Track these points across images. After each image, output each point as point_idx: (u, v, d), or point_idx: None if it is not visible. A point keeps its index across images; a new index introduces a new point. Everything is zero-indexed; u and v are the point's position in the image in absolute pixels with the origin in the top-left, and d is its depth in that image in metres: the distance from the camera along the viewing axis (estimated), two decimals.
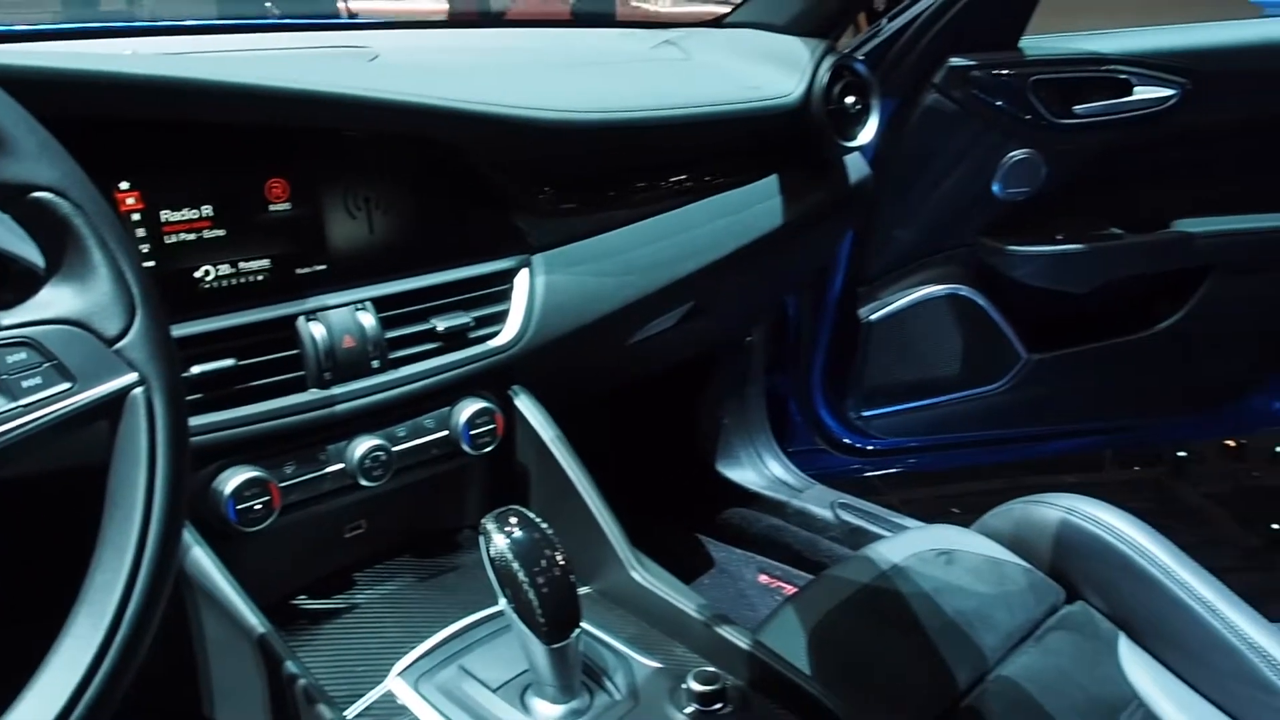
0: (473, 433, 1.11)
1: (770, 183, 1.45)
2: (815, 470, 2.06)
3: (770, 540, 1.95)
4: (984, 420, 2.08)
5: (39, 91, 0.81)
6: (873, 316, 1.92)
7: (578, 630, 0.91)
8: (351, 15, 2.13)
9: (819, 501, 1.93)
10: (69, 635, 0.60)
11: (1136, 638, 1.20)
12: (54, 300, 0.64)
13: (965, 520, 1.42)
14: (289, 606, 1.10)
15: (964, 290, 1.92)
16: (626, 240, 1.28)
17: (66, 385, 0.62)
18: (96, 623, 0.60)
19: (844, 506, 1.91)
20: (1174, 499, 2.49)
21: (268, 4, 2.25)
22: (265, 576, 1.03)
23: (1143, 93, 1.79)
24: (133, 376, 0.64)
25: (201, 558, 0.93)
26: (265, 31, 1.30)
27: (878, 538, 1.79)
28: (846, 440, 2.09)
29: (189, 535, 0.93)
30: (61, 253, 0.64)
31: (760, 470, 2.03)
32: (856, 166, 1.58)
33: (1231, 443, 2.62)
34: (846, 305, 1.93)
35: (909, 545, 1.36)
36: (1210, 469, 2.57)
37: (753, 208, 1.43)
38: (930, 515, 1.69)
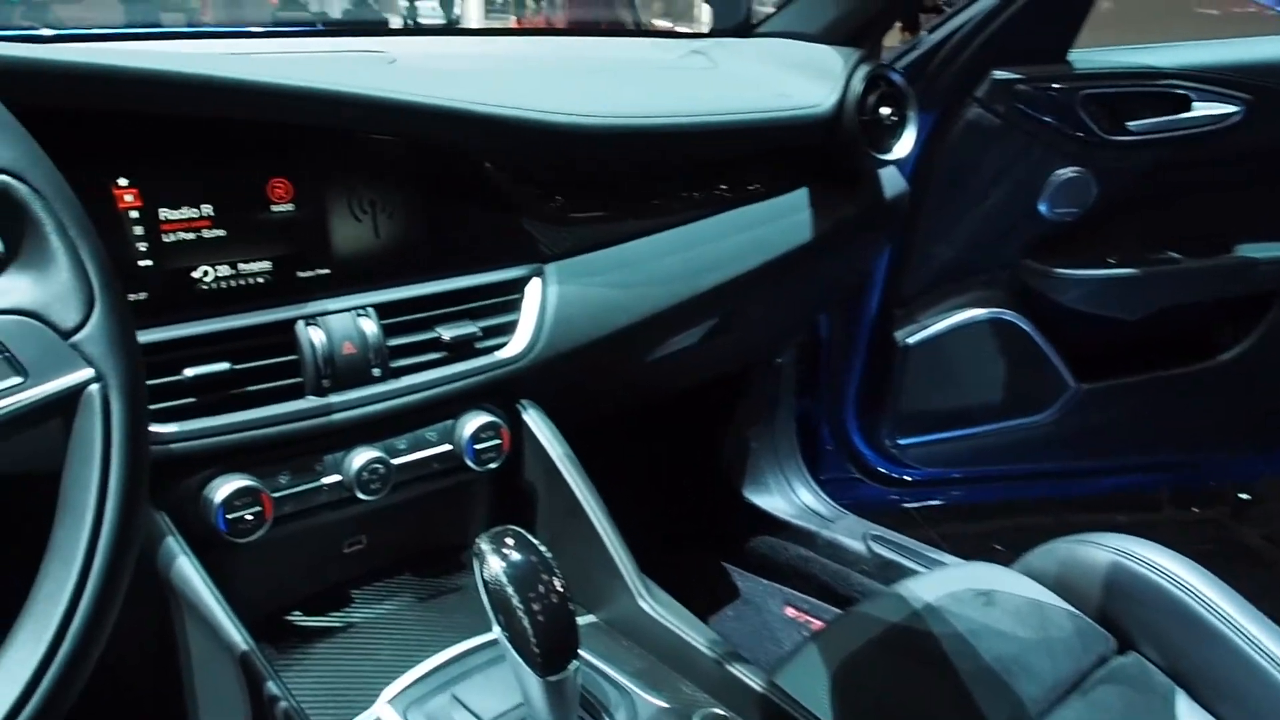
0: (477, 447, 1.06)
1: (799, 196, 1.40)
2: (847, 500, 1.98)
3: (798, 571, 1.88)
4: (1028, 452, 1.99)
5: (25, 80, 0.78)
6: (910, 339, 1.85)
7: (576, 663, 0.85)
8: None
9: (851, 533, 1.86)
10: (8, 650, 0.56)
11: (1196, 694, 1.11)
12: (9, 289, 0.59)
13: (1006, 559, 1.34)
14: (282, 622, 1.05)
15: (1007, 314, 1.85)
16: (646, 251, 1.22)
17: (17, 380, 0.57)
18: (38, 638, 0.56)
19: (877, 539, 1.83)
20: (1235, 542, 2.36)
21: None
22: (257, 590, 0.99)
23: (1202, 109, 1.71)
24: (89, 372, 0.59)
25: (186, 568, 0.88)
26: (279, 37, 1.26)
27: (912, 573, 1.72)
28: (881, 469, 2.01)
29: (174, 544, 0.89)
30: (19, 239, 0.60)
31: (789, 498, 1.96)
32: (891, 181, 1.52)
33: None
34: (882, 327, 1.87)
35: (945, 583, 1.29)
36: (1275, 510, 2.44)
37: (780, 221, 1.37)
38: (968, 552, 1.61)
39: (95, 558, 0.58)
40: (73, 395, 0.59)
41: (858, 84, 1.35)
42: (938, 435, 1.96)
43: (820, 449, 2.02)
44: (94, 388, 0.59)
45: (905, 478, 2.01)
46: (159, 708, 0.97)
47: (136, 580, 0.89)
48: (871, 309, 1.87)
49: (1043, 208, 1.75)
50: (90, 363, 0.60)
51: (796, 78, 1.40)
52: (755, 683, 0.93)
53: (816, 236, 1.39)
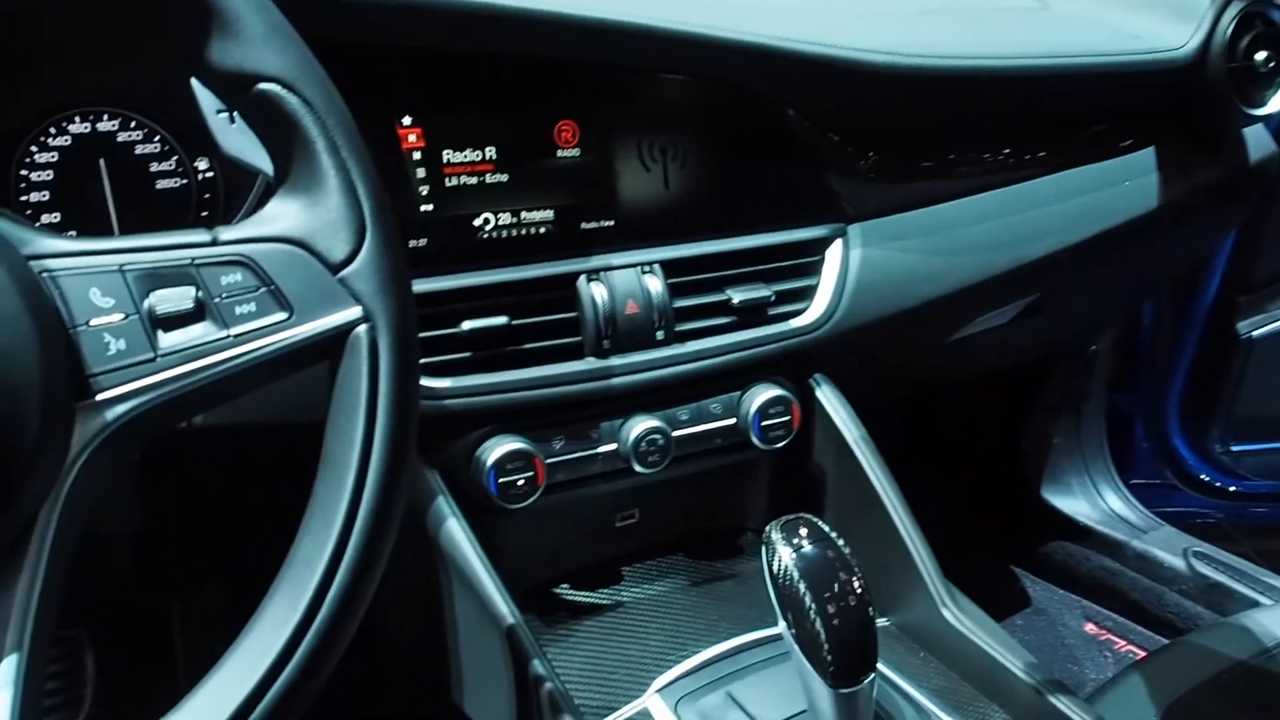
0: (764, 423, 0.97)
1: (1145, 157, 1.22)
2: (1160, 509, 1.75)
3: (1101, 585, 1.67)
4: None
5: (308, 7, 0.75)
6: (1256, 332, 1.61)
7: (872, 675, 0.74)
8: None
9: (1168, 546, 1.63)
10: (263, 614, 0.51)
11: None
12: (277, 215, 0.55)
13: None
14: (549, 595, 1.01)
15: None
16: (961, 214, 1.09)
17: (283, 316, 0.53)
18: (294, 603, 0.51)
19: (1201, 556, 1.59)
20: None
21: None
22: (525, 560, 0.95)
23: None
24: (356, 311, 0.54)
25: (456, 531, 0.85)
26: None
27: (1244, 599, 1.49)
28: (1204, 477, 1.76)
29: (445, 505, 0.86)
30: (289, 158, 0.55)
31: (1094, 502, 1.75)
32: (1260, 142, 1.30)
33: None
34: (1221, 316, 1.63)
35: None
36: None
37: (1121, 185, 1.20)
38: None
39: (357, 519, 0.53)
40: (339, 336, 0.54)
41: (1228, 23, 1.15)
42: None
43: (1133, 450, 1.80)
44: (361, 329, 0.54)
45: (1232, 489, 1.76)
46: (423, 672, 0.95)
47: (407, 540, 0.87)
48: (1209, 294, 1.63)
49: None
50: (359, 300, 0.54)
51: (1146, 17, 1.21)
52: (1075, 714, 0.79)
53: (1164, 205, 1.21)
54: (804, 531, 0.76)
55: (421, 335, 0.84)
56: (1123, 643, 1.60)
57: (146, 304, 0.50)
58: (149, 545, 0.85)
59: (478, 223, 0.89)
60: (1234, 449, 1.71)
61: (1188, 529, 1.70)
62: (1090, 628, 1.65)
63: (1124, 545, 1.66)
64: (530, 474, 0.88)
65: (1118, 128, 1.20)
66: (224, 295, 0.52)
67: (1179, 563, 1.60)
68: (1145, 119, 1.21)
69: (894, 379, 1.32)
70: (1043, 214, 1.14)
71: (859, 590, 0.74)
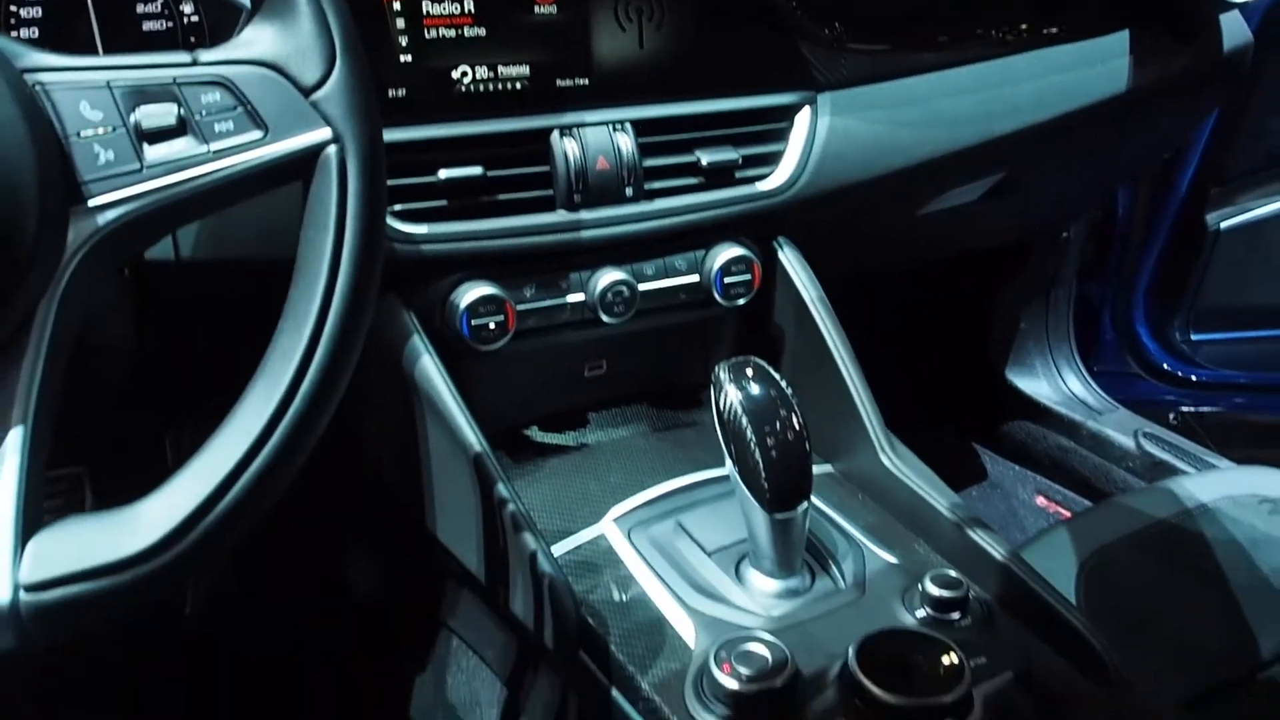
0: (726, 280, 1.02)
1: (1118, 40, 1.23)
2: (1120, 396, 1.81)
3: (1055, 461, 1.75)
4: None
5: None
6: (1224, 224, 1.65)
7: (805, 504, 0.81)
8: None
9: (1120, 427, 1.70)
10: (243, 403, 0.57)
11: None
12: (253, 40, 0.59)
13: None
14: (518, 436, 1.07)
15: None
16: (931, 88, 1.12)
17: (258, 134, 0.57)
18: (270, 394, 0.57)
19: (1150, 437, 1.67)
20: None
21: None
22: (497, 402, 1.00)
23: None
24: (327, 133, 0.58)
25: (429, 367, 0.90)
26: None
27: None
28: (1165, 366, 1.82)
29: (420, 344, 0.91)
30: None
31: (1056, 384, 1.82)
32: (1234, 30, 1.31)
33: None
34: (1193, 206, 1.67)
35: (1222, 485, 1.16)
36: None
37: (1092, 68, 1.21)
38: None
39: (328, 320, 0.58)
40: (310, 156, 0.59)
41: None
42: (1239, 334, 1.76)
43: (1098, 338, 1.85)
44: (331, 149, 0.59)
45: (1192, 378, 1.82)
46: (400, 490, 1.02)
47: (385, 376, 0.92)
48: (1182, 185, 1.67)
49: None
50: (329, 123, 0.59)
51: None
52: (996, 552, 0.86)
53: (1134, 89, 1.23)
54: (750, 372, 0.81)
55: (400, 182, 0.89)
56: (1069, 514, 1.69)
57: (133, 118, 0.55)
58: (144, 363, 0.91)
59: (456, 75, 0.92)
60: (1193, 338, 1.76)
61: (1143, 414, 1.77)
62: (1041, 500, 1.73)
63: (1080, 425, 1.74)
64: (501, 318, 0.93)
65: (1093, 9, 1.22)
66: (204, 113, 0.56)
67: (1129, 442, 1.68)
68: (1121, 2, 1.23)
69: (864, 252, 1.36)
70: (1012, 92, 1.16)
71: (797, 427, 0.80)
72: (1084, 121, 1.22)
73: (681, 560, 0.89)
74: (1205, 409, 1.82)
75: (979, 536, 0.88)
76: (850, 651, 0.74)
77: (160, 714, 1.35)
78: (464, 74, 0.92)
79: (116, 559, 0.51)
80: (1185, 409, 1.87)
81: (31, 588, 0.50)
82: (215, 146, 0.56)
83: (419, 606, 1.26)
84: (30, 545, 0.51)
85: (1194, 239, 1.68)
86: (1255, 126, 1.58)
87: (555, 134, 0.94)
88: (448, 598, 1.20)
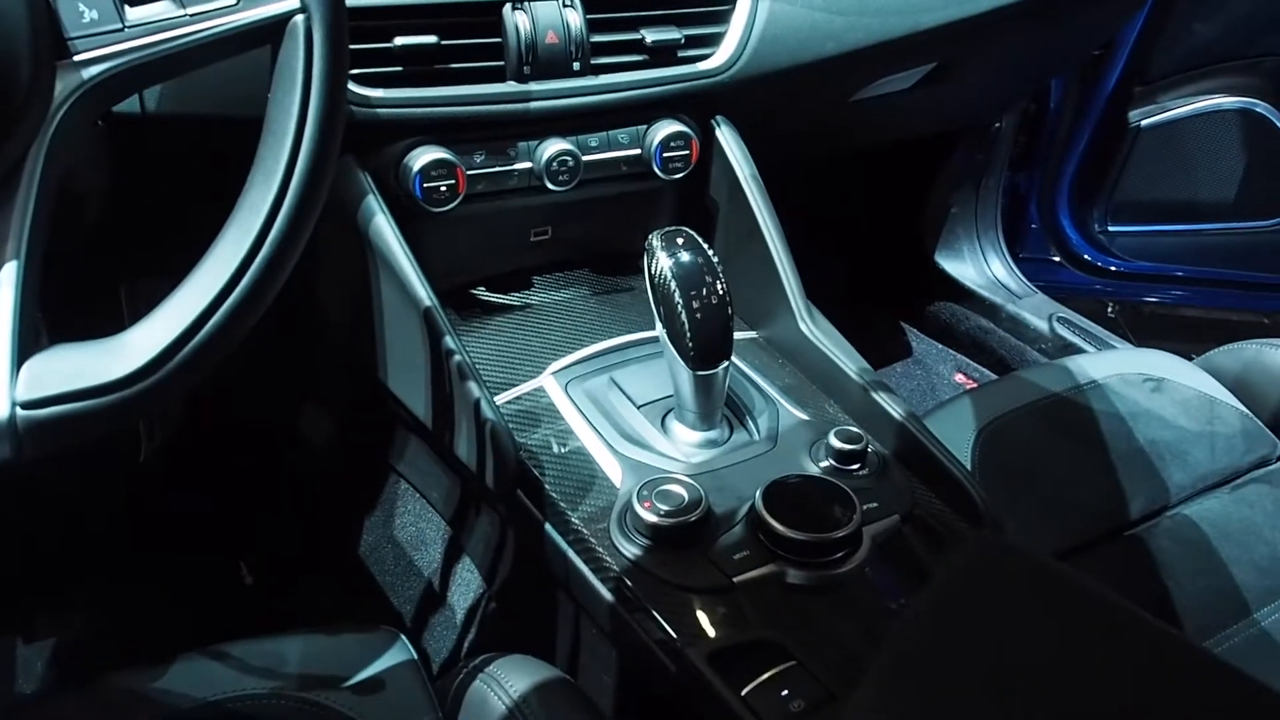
0: (665, 154, 1.08)
1: None
2: (1041, 282, 1.91)
3: (975, 341, 1.86)
4: (1252, 260, 1.84)
5: None
6: (1145, 121, 1.72)
7: (726, 363, 0.90)
8: None
9: (1037, 311, 1.81)
10: (216, 247, 0.63)
11: None
12: None
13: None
14: (467, 295, 1.13)
15: (1261, 107, 1.67)
16: None
17: (231, 1, 0.62)
18: (242, 237, 0.63)
19: (1063, 321, 1.77)
20: None
21: None
22: (448, 261, 1.06)
23: None
24: (294, 3, 0.63)
25: (383, 225, 0.96)
26: None
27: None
28: (1085, 256, 1.92)
29: (374, 202, 0.96)
30: None
31: (980, 268, 1.91)
32: None
33: None
34: (1117, 104, 1.73)
35: (1115, 364, 1.26)
36: None
37: None
38: None
39: (294, 175, 0.63)
40: (279, 24, 0.64)
41: None
42: (1154, 227, 1.84)
43: (1024, 226, 1.94)
44: (299, 19, 0.64)
45: (1110, 268, 1.91)
46: (353, 342, 1.08)
47: (339, 233, 0.98)
48: (1109, 84, 1.73)
49: None
50: None
51: None
52: (896, 412, 0.96)
53: None
54: (680, 241, 0.89)
55: (357, 47, 0.93)
56: None
57: None
58: (110, 214, 0.95)
59: None
60: (1112, 229, 1.85)
61: (1062, 300, 1.87)
62: (959, 377, 1.85)
63: (1000, 308, 1.84)
64: (452, 182, 0.98)
65: None
66: None
67: (1043, 326, 1.78)
68: None
69: (802, 137, 1.42)
70: None
71: (721, 292, 0.88)
72: (1012, 16, 1.26)
73: (613, 411, 0.97)
74: (1119, 297, 1.94)
75: (883, 399, 0.97)
76: (757, 493, 0.84)
77: (113, 554, 1.42)
78: None
79: (105, 381, 0.58)
80: (1101, 295, 1.99)
81: (28, 405, 0.56)
82: (192, 10, 0.61)
83: (367, 452, 1.34)
84: (25, 367, 0.57)
85: (1117, 135, 1.75)
86: (1178, 30, 1.64)
87: (507, 7, 0.98)
88: (395, 444, 1.28)
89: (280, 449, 1.48)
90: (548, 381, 1.00)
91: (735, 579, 0.80)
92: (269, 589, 1.42)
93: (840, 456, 0.91)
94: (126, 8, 0.60)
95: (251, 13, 0.62)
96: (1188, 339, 1.97)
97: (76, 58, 0.59)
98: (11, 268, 0.58)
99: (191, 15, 0.61)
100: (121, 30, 0.60)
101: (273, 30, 0.63)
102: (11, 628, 1.33)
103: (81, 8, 0.59)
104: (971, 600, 0.58)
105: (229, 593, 1.43)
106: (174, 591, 1.40)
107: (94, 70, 0.59)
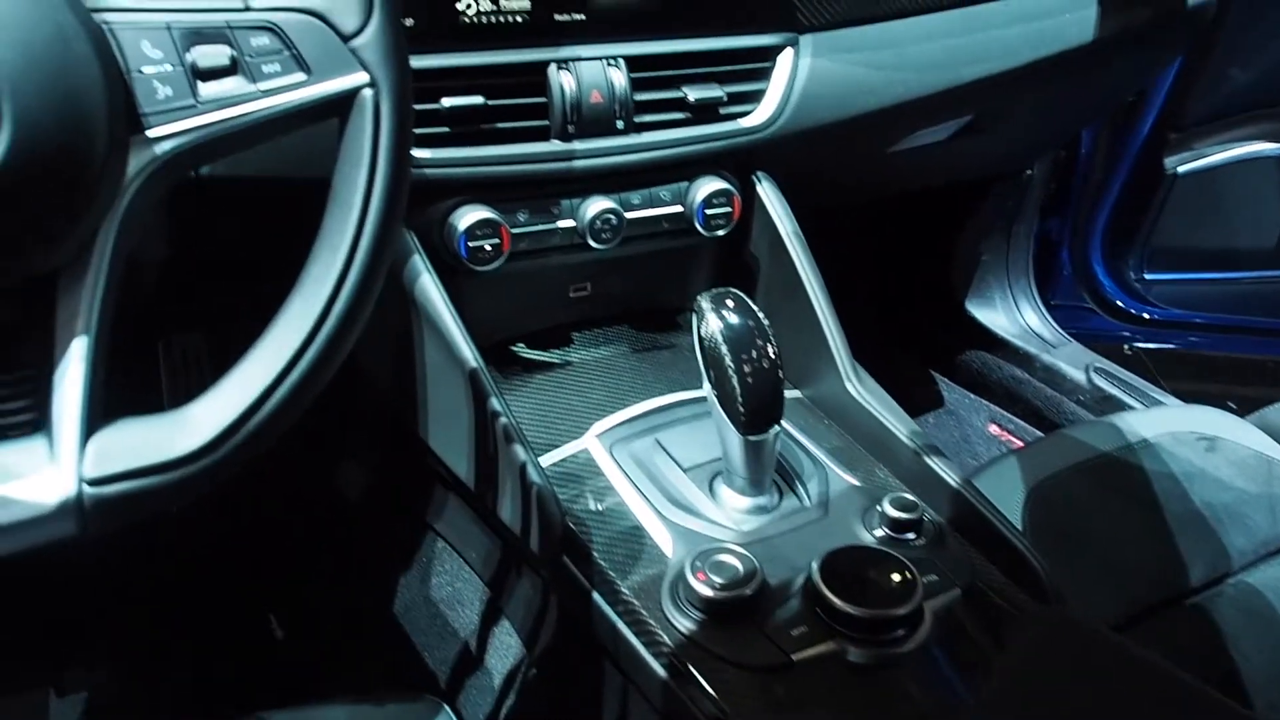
0: (708, 212, 1.07)
1: None
2: (1075, 330, 1.90)
3: (1009, 391, 1.84)
4: None
5: None
6: (1181, 168, 1.71)
7: (777, 428, 0.88)
8: None
9: (1073, 361, 1.79)
10: (281, 318, 0.62)
11: None
12: None
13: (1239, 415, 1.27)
14: (508, 352, 1.12)
15: None
16: (906, 33, 1.16)
17: (302, 76, 0.62)
18: (307, 311, 0.62)
19: (1100, 371, 1.75)
20: None
21: None
22: (488, 318, 1.05)
23: None
24: (364, 77, 0.63)
25: (428, 284, 0.95)
26: None
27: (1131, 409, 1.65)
28: (1119, 303, 1.90)
29: (420, 262, 0.95)
30: None
31: (1013, 317, 1.89)
32: None
33: None
34: (1152, 150, 1.72)
35: (1166, 422, 1.24)
36: None
37: (1058, 17, 1.25)
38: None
39: (360, 244, 0.63)
40: (348, 98, 0.63)
41: None
42: (1191, 275, 1.83)
43: (1056, 273, 1.92)
44: (367, 92, 0.63)
45: (1144, 315, 1.90)
46: (393, 398, 1.07)
47: (386, 292, 0.97)
48: (1143, 130, 1.72)
49: None
50: (366, 68, 0.63)
51: None
52: (950, 478, 0.94)
53: (1098, 39, 1.27)
54: (730, 303, 0.87)
55: None
56: (1020, 443, 1.78)
57: (189, 58, 0.59)
58: (169, 271, 0.95)
59: (460, 5, 0.95)
60: (1147, 277, 1.84)
61: (1095, 349, 1.85)
62: (993, 428, 1.82)
63: (1034, 357, 1.82)
64: (496, 241, 0.98)
65: None
66: (253, 55, 0.60)
67: (1080, 376, 1.76)
68: None
69: (838, 187, 1.41)
70: (981, 39, 1.20)
71: (772, 355, 0.86)
72: (1049, 69, 1.26)
73: (659, 475, 0.95)
74: (1154, 345, 1.91)
75: (934, 463, 0.95)
76: (814, 565, 0.81)
77: (149, 609, 1.41)
78: (468, 6, 0.95)
79: (171, 458, 0.57)
80: (1136, 345, 1.96)
81: (94, 482, 0.55)
82: (263, 86, 0.60)
83: (403, 508, 1.32)
84: (91, 443, 0.56)
85: (1152, 182, 1.74)
86: (1215, 75, 1.63)
87: (553, 67, 0.98)
88: (433, 501, 1.26)
89: (314, 502, 1.47)
90: (591, 443, 0.99)
91: (794, 656, 0.78)
92: (300, 643, 1.41)
93: (895, 525, 0.89)
94: (200, 84, 0.60)
95: (322, 86, 0.62)
96: (1226, 385, 1.95)
97: (150, 133, 0.58)
98: (81, 343, 0.57)
99: (264, 90, 0.61)
100: (194, 106, 0.59)
101: (342, 104, 0.63)
102: (43, 680, 1.32)
103: (155, 84, 0.58)
104: (1044, 688, 0.56)
105: (259, 646, 1.42)
106: (204, 644, 1.38)
107: (166, 146, 0.59)
